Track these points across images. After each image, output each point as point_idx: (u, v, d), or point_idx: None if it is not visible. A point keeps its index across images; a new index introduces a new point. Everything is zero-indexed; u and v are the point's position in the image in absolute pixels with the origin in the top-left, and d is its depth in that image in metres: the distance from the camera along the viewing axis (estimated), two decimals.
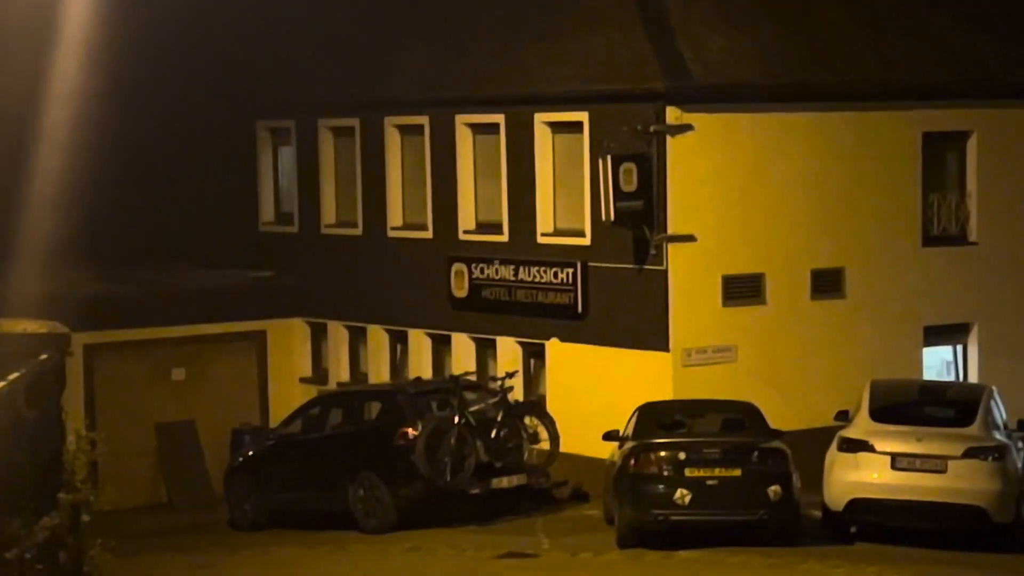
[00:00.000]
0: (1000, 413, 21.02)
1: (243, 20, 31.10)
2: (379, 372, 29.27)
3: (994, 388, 22.08)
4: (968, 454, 19.67)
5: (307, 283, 30.56)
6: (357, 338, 30.09)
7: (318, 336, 30.78)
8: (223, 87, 31.46)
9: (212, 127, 31.82)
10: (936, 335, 27.05)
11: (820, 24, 26.44)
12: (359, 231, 30.07)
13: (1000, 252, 27.46)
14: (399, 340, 29.25)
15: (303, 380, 30.23)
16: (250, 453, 25.57)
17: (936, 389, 23.01)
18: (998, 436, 20.21)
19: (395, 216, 29.39)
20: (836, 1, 26.74)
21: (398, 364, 29.19)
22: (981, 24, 27.72)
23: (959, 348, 27.35)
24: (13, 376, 12.28)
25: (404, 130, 29.14)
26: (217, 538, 23.87)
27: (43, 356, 12.87)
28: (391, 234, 29.40)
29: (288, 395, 29.27)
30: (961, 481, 19.58)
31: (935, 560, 18.44)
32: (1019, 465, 20.38)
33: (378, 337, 29.58)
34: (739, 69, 25.26)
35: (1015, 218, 27.70)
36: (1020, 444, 20.93)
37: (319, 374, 30.43)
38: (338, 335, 30.36)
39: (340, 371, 30.14)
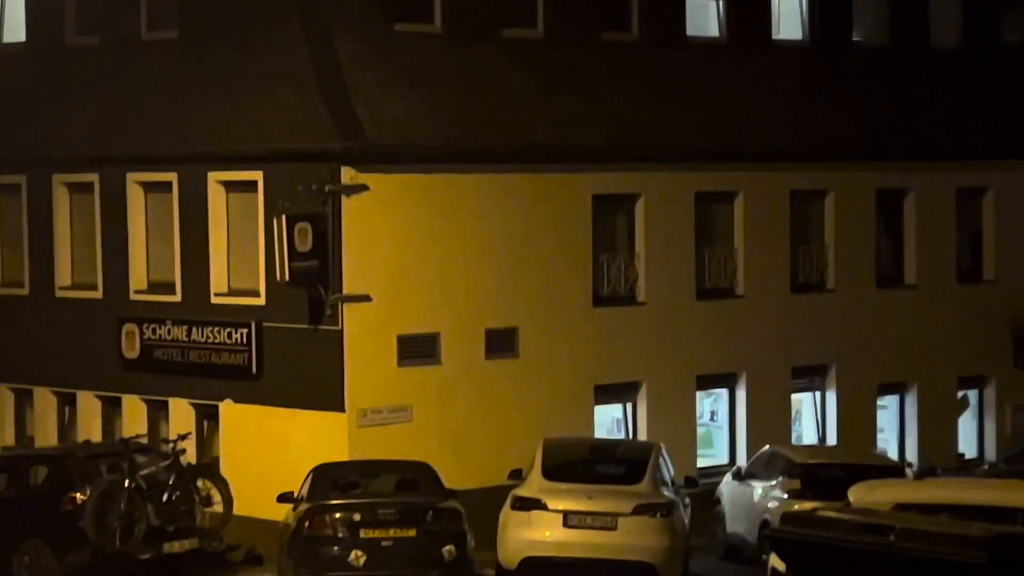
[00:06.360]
0: (668, 470, 21.43)
1: None
2: (46, 435, 28.43)
3: (662, 445, 22.55)
4: (637, 511, 19.96)
5: None
6: (23, 400, 29.21)
7: None
8: None
9: None
10: (606, 393, 27.54)
11: (495, 87, 26.75)
12: (25, 291, 29.21)
13: (666, 312, 28.12)
14: (68, 402, 28.49)
15: None
16: None
17: (606, 447, 23.39)
18: (666, 493, 20.57)
19: (64, 275, 28.65)
20: (512, 66, 27.10)
21: (66, 427, 28.40)
22: (649, 89, 28.47)
23: (629, 406, 27.88)
24: None
25: (73, 188, 28.51)
26: None
27: None
28: (59, 294, 28.63)
29: None
30: (631, 538, 19.86)
31: None
32: (686, 521, 20.82)
33: (45, 399, 28.76)
34: (414, 130, 25.42)
35: (679, 279, 28.42)
36: (687, 500, 21.45)
37: None
38: (2, 397, 29.42)
39: (5, 435, 29.17)
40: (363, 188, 24.55)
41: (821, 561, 8.54)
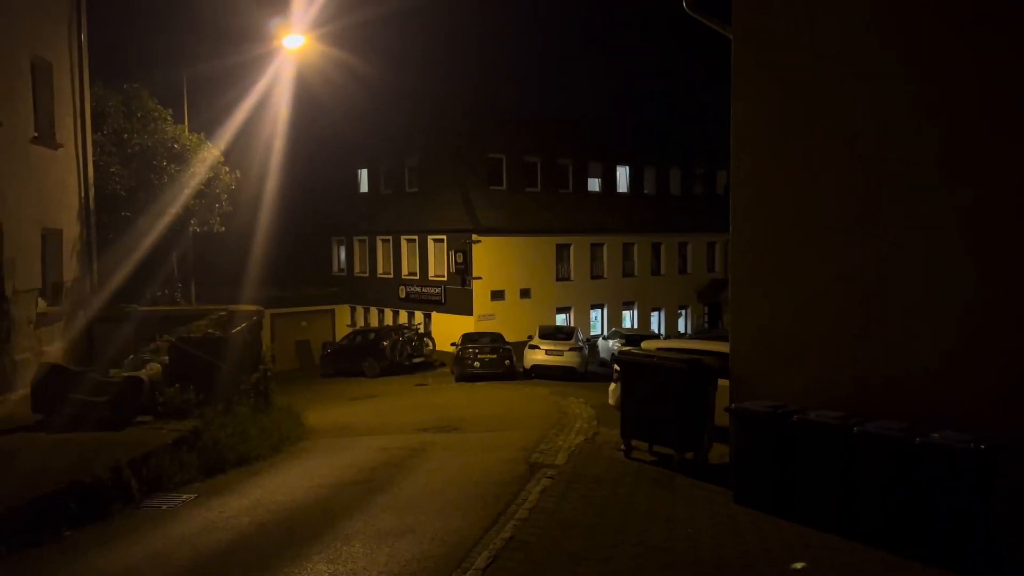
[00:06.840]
0: (580, 335, 21.58)
1: (324, 192, 30.19)
2: (373, 323, 28.60)
3: (578, 327, 22.80)
4: (571, 349, 20.16)
5: (349, 292, 29.65)
6: (367, 311, 29.36)
7: (354, 311, 29.85)
8: (321, 222, 30.51)
9: (316, 237, 30.82)
10: (560, 311, 27.38)
11: (524, 208, 26.54)
12: (367, 275, 29.31)
13: (580, 283, 27.85)
14: (381, 312, 28.66)
15: (348, 326, 29.35)
16: (328, 351, 24.67)
17: (560, 328, 23.32)
18: (580, 344, 20.73)
19: (380, 269, 28.74)
20: (531, 200, 26.79)
21: (380, 320, 28.59)
22: (575, 210, 28.20)
23: (567, 314, 27.74)
24: (243, 324, 12.14)
25: (383, 240, 28.57)
26: (316, 379, 23.06)
27: (254, 317, 12.58)
28: (379, 275, 28.76)
29: (342, 331, 28.40)
30: (568, 358, 20.04)
31: (561, 383, 18.67)
32: (587, 353, 21.01)
33: (372, 311, 28.93)
34: (496, 223, 25.39)
35: (584, 271, 28.13)
36: (587, 347, 21.54)
37: (353, 324, 29.55)
38: (359, 310, 29.57)
39: (360, 322, 29.34)
40: (478, 241, 24.64)
41: (631, 368, 8.65)
